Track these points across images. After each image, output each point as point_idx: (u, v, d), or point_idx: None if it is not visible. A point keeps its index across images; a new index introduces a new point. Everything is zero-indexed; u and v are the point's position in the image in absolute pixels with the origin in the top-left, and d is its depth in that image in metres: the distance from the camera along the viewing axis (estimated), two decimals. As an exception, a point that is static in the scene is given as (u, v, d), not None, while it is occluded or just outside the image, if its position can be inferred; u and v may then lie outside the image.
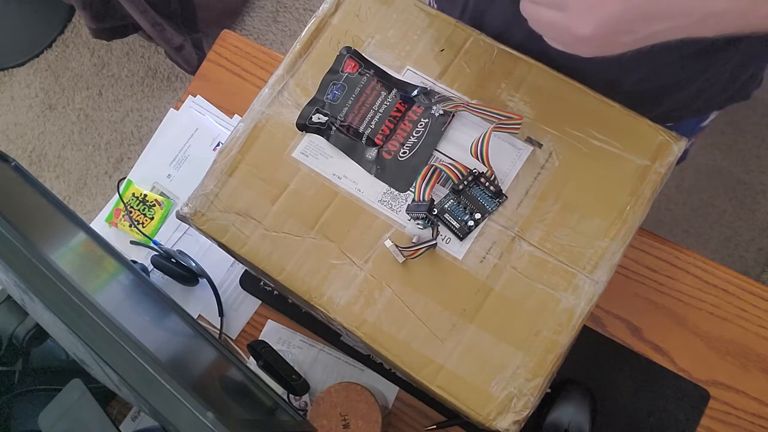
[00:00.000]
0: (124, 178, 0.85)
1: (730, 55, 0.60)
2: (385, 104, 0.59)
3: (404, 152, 0.58)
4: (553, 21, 0.43)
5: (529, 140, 0.57)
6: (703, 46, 0.58)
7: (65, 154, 1.77)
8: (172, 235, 0.83)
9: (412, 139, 0.58)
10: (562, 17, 0.42)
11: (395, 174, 0.58)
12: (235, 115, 0.87)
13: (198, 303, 0.80)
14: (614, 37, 0.42)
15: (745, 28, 0.42)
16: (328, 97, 0.60)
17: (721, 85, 0.66)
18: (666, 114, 0.69)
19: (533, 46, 0.59)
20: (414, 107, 0.59)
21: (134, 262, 0.80)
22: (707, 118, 0.75)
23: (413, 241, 0.56)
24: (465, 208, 0.55)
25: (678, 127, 0.75)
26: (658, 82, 0.64)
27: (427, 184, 0.56)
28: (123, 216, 0.84)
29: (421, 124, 0.58)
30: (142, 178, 0.86)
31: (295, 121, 0.60)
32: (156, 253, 0.78)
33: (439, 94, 0.59)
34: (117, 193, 0.83)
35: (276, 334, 0.78)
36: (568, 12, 0.41)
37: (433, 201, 0.56)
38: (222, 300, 0.80)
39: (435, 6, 0.77)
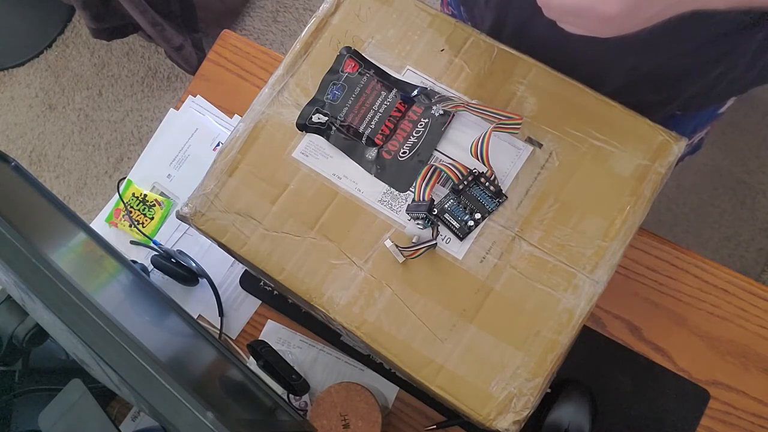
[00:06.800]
0: (124, 178, 0.85)
1: (754, 35, 0.60)
2: (385, 104, 0.59)
3: (404, 152, 0.58)
4: (576, 5, 0.42)
5: (529, 140, 0.57)
6: (727, 27, 0.57)
7: (65, 154, 1.77)
8: (172, 235, 0.83)
9: (412, 139, 0.58)
10: (585, 1, 0.42)
11: (395, 174, 0.58)
12: (235, 115, 0.87)
13: (198, 303, 0.80)
14: (636, 13, 0.42)
15: (758, 1, 0.42)
16: (328, 97, 0.60)
17: (743, 68, 0.65)
18: (688, 101, 0.68)
19: (556, 35, 0.59)
20: (414, 107, 0.59)
21: (134, 262, 0.80)
22: (725, 104, 0.75)
23: (413, 241, 0.56)
24: (465, 208, 0.55)
25: (697, 115, 0.73)
26: (679, 64, 0.63)
27: (427, 184, 0.56)
28: (123, 216, 0.84)
29: (421, 124, 0.58)
30: (142, 178, 0.86)
31: (295, 121, 0.60)
32: (156, 253, 0.78)
33: (439, 94, 0.59)
34: (117, 193, 0.83)
35: (276, 334, 0.78)
36: None
37: (433, 201, 0.56)
38: (222, 300, 0.80)
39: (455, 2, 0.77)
